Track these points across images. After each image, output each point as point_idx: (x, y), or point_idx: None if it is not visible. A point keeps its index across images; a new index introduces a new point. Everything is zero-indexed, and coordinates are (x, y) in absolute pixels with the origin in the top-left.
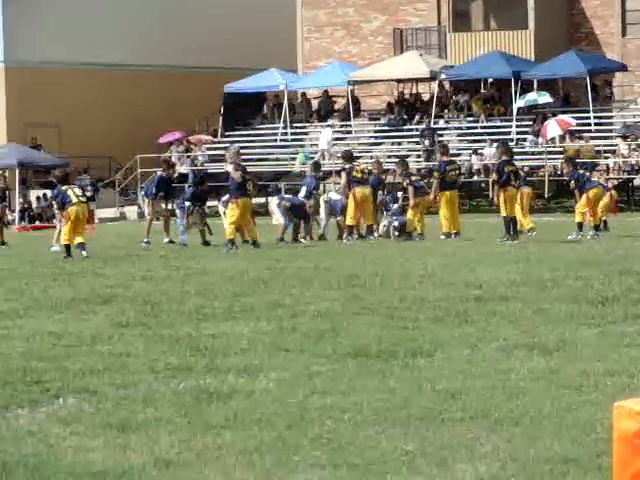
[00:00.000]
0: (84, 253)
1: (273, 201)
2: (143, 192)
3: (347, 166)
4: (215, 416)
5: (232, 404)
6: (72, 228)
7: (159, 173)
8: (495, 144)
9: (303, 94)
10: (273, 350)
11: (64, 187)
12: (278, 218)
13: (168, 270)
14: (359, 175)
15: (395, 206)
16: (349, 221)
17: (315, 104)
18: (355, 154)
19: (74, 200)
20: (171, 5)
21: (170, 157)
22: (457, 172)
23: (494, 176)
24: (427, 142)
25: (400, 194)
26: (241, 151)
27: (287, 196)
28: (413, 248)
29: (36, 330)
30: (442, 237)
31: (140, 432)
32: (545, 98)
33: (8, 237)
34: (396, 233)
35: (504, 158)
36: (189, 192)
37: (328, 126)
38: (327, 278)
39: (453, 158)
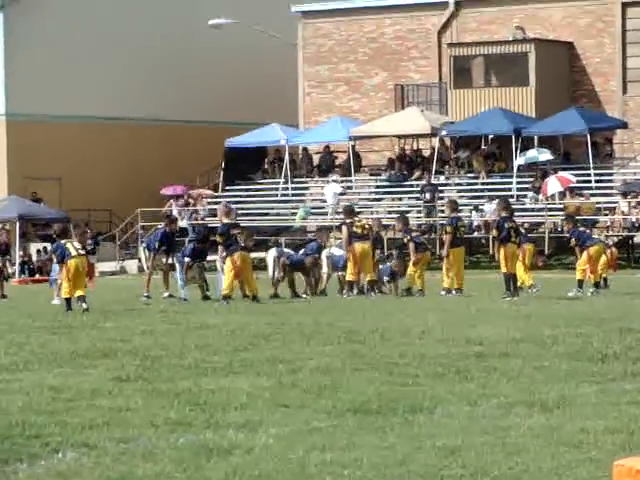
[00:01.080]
0: (84, 305)
1: (271, 253)
2: (145, 245)
3: (348, 221)
4: (214, 471)
5: (232, 460)
6: (72, 281)
7: (162, 228)
8: (495, 200)
9: (304, 149)
10: (273, 405)
11: (63, 241)
12: (271, 270)
13: (168, 324)
14: (359, 231)
15: (387, 265)
16: (349, 276)
17: (316, 159)
18: (356, 209)
19: (73, 253)
20: (173, 60)
21: (171, 211)
22: (464, 229)
23: (494, 232)
24: (428, 196)
25: (395, 252)
26: (241, 206)
27: (287, 251)
28: (413, 304)
29: (36, 384)
30: (442, 293)
31: None
32: (545, 155)
33: (8, 290)
34: (386, 278)
35: (504, 214)
36: (189, 247)
37: (333, 181)
38: (327, 333)
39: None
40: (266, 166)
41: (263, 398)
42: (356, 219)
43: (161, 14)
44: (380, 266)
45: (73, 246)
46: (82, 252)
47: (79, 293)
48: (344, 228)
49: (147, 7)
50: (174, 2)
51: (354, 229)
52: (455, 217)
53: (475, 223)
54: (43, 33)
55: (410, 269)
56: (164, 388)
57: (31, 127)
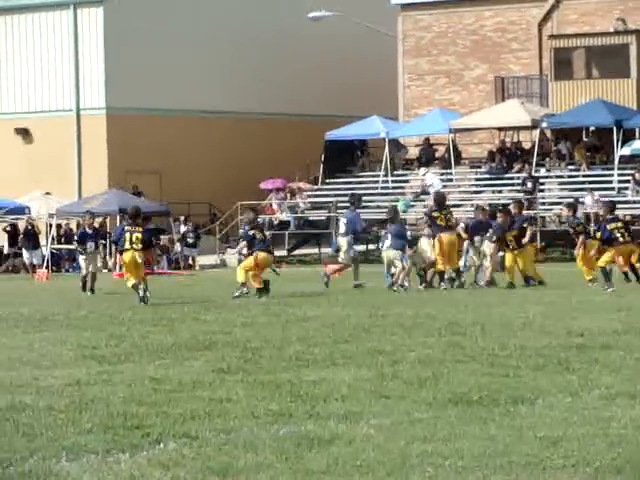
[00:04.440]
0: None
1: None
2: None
3: (433, 213)
4: (316, 462)
5: (333, 450)
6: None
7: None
8: (595, 193)
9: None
10: (374, 397)
11: (127, 227)
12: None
13: (269, 316)
14: (443, 223)
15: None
16: (439, 267)
17: (416, 152)
18: (456, 202)
19: (127, 246)
20: (273, 53)
21: (270, 204)
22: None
23: (592, 230)
24: (529, 188)
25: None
26: (341, 198)
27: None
28: (514, 296)
29: (137, 375)
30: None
31: (241, 477)
32: None
33: (108, 283)
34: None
35: (609, 216)
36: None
37: (427, 172)
38: (428, 325)
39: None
40: (366, 159)
41: (364, 389)
42: (444, 212)
43: (261, 7)
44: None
45: (131, 237)
46: (137, 247)
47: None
48: (426, 218)
49: (247, 0)
50: None
51: (438, 222)
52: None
53: (589, 209)
54: (143, 27)
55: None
56: (265, 379)
57: (131, 121)
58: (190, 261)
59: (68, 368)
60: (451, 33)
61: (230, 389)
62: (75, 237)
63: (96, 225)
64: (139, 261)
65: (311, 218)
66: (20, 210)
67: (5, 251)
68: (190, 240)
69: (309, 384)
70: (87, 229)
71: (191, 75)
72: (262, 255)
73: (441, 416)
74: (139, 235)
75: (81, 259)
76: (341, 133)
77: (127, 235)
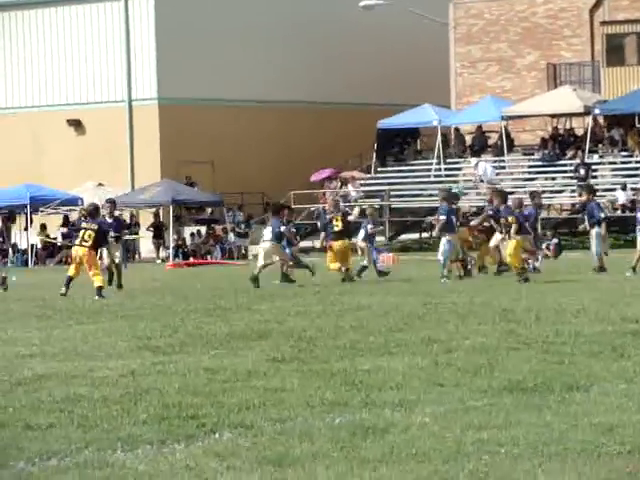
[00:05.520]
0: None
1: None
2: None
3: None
4: (371, 450)
5: (388, 438)
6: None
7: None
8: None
9: (456, 129)
10: (429, 385)
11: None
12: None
13: (323, 305)
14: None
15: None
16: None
17: (468, 139)
18: (509, 190)
19: (77, 241)
20: (324, 42)
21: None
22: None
23: None
24: (582, 175)
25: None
26: (394, 187)
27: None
28: (567, 283)
29: (191, 366)
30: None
31: (297, 467)
32: None
33: (161, 273)
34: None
35: None
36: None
37: (478, 163)
38: (482, 313)
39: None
40: (419, 147)
41: (419, 377)
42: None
43: None
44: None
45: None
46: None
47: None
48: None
49: None
50: None
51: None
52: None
53: (619, 201)
54: (194, 17)
55: None
56: (319, 369)
57: (183, 111)
58: (243, 251)
59: (123, 359)
60: (503, 20)
61: (285, 378)
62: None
63: (117, 214)
64: (84, 258)
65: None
66: (73, 201)
67: (59, 243)
68: (241, 230)
69: (364, 373)
70: (107, 218)
71: (243, 65)
72: (336, 244)
73: (496, 403)
74: (92, 233)
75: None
76: (393, 121)
77: (81, 231)
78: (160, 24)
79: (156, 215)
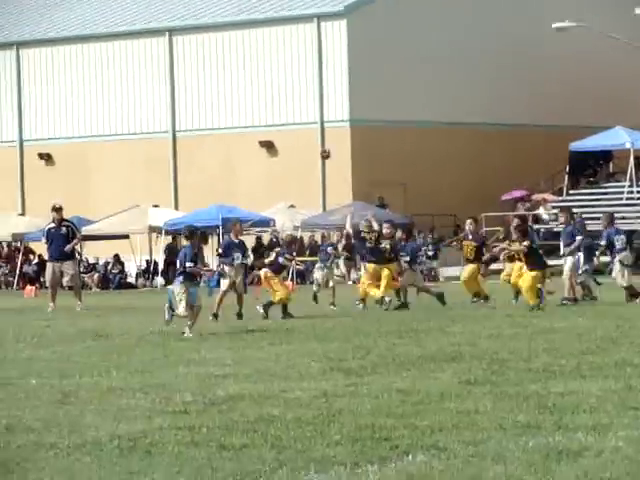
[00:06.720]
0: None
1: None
2: None
3: None
4: (564, 474)
5: (581, 462)
6: None
7: None
8: None
9: None
10: (622, 408)
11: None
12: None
13: (515, 328)
14: None
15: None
16: None
17: None
18: None
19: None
20: (515, 63)
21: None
22: None
23: None
24: None
25: None
26: (586, 210)
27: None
28: None
29: (384, 387)
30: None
31: None
32: None
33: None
34: None
35: None
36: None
37: None
38: None
39: None
40: (612, 170)
41: (612, 401)
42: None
43: (504, 16)
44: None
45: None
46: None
47: None
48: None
49: (489, 9)
50: (518, 5)
51: None
52: None
53: None
54: (385, 38)
55: None
56: (512, 391)
57: (375, 132)
58: (432, 273)
59: (315, 380)
60: None
61: (477, 401)
62: (219, 248)
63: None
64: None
65: (555, 230)
66: (265, 222)
67: (249, 263)
68: (430, 252)
69: (557, 395)
70: (233, 238)
71: (434, 86)
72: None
73: None
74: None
75: (227, 269)
76: (586, 144)
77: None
78: (352, 45)
79: (348, 236)
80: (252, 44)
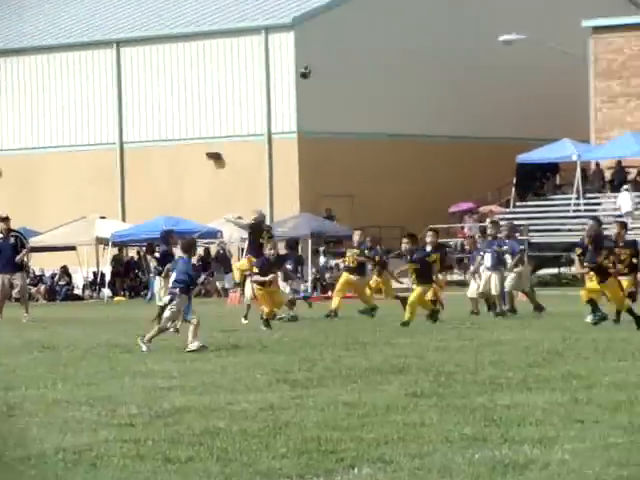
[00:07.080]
0: None
1: None
2: None
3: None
4: None
5: (528, 475)
6: None
7: None
8: None
9: (597, 164)
10: (568, 421)
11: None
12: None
13: (462, 341)
14: None
15: None
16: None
17: (608, 175)
18: None
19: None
20: (462, 76)
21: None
22: None
23: None
24: None
25: None
26: (533, 222)
27: None
28: None
29: (330, 400)
30: None
31: None
32: None
33: (303, 308)
34: None
35: None
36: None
37: (625, 190)
38: (622, 349)
39: None
40: (558, 182)
41: (558, 414)
42: None
43: (451, 29)
44: None
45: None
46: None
47: None
48: None
49: (436, 22)
50: (464, 17)
51: None
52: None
53: None
54: (332, 51)
55: None
56: (459, 404)
57: (322, 144)
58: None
59: (261, 392)
60: None
61: (424, 413)
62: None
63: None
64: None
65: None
66: (212, 234)
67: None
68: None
69: (503, 408)
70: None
71: (381, 99)
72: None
73: (637, 440)
74: None
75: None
76: (533, 156)
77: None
78: (300, 57)
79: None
80: (200, 56)
